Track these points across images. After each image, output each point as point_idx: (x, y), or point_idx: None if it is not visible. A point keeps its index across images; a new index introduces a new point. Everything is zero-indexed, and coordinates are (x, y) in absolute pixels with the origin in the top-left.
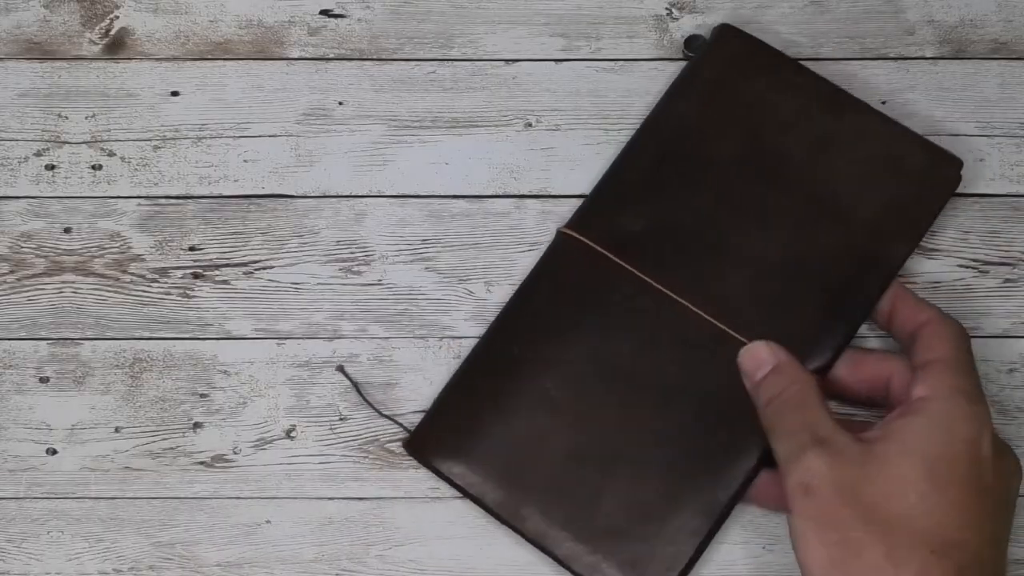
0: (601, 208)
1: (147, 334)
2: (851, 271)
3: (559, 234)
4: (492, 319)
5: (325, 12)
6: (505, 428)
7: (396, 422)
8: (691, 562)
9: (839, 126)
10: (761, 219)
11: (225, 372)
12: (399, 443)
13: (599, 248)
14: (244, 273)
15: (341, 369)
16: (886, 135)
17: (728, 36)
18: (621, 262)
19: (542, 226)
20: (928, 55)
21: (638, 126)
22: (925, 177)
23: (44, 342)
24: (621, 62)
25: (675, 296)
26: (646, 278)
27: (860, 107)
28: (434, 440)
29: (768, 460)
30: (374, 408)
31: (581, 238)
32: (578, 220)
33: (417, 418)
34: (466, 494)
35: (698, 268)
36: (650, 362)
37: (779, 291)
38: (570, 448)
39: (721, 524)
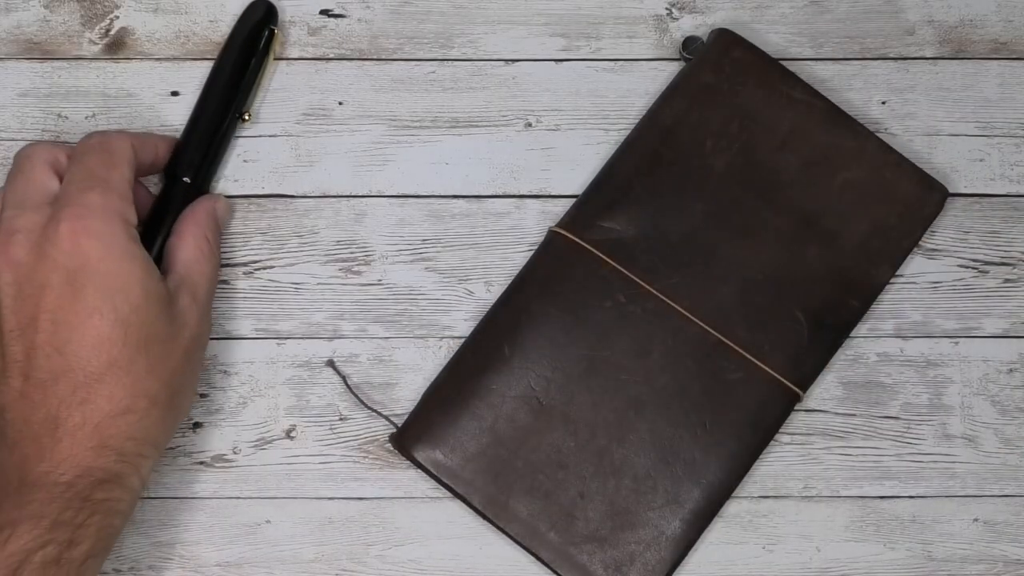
0: (594, 209)
1: None
2: (835, 291)
3: (551, 233)
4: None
5: (325, 12)
6: (490, 428)
7: (384, 416)
8: (673, 567)
9: (833, 147)
10: (751, 232)
11: (225, 372)
12: None
13: (591, 248)
14: (244, 273)
15: (331, 364)
16: (879, 159)
17: (726, 41)
18: (613, 263)
19: (542, 226)
20: (928, 55)
21: (634, 127)
22: (912, 203)
23: None
24: (621, 62)
25: (668, 300)
26: (638, 280)
27: (855, 128)
28: (418, 433)
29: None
30: (362, 402)
31: (573, 238)
32: (571, 220)
33: None
34: (452, 491)
35: (689, 274)
36: (639, 366)
37: (765, 304)
38: (555, 451)
39: (703, 530)
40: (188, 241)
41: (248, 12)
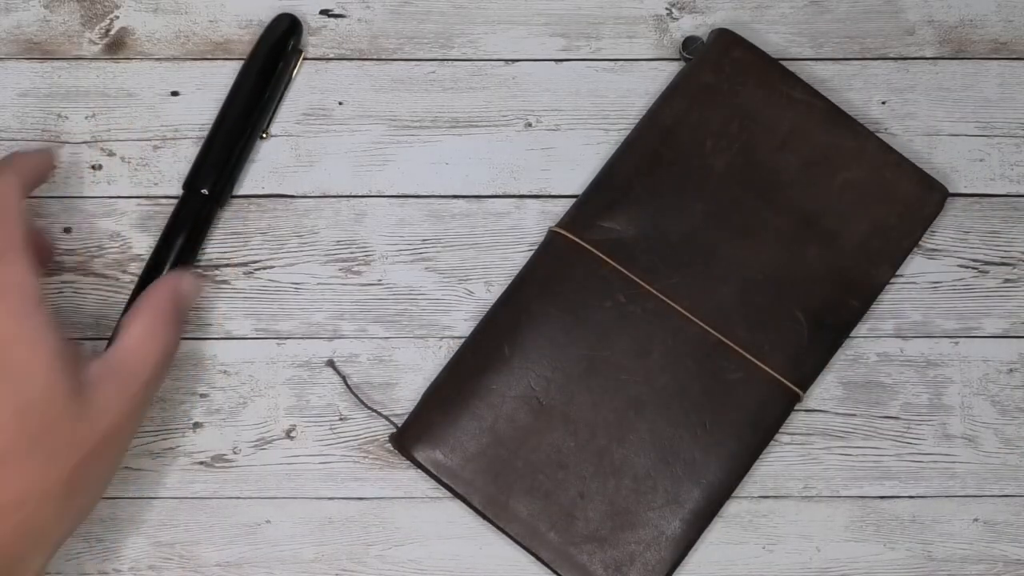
0: (594, 209)
1: None
2: (835, 291)
3: (551, 233)
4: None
5: (325, 12)
6: (490, 428)
7: (384, 416)
8: (673, 567)
9: (833, 147)
10: (751, 232)
11: (225, 372)
12: None
13: (591, 248)
14: (244, 273)
15: (331, 364)
16: (879, 159)
17: (726, 41)
18: (613, 263)
19: (542, 226)
20: (928, 55)
21: (634, 127)
22: (912, 203)
23: None
24: (621, 62)
25: (668, 300)
26: (638, 280)
27: (855, 128)
28: (418, 433)
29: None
30: (361, 402)
31: (573, 238)
32: (571, 220)
33: None
34: (452, 491)
35: (689, 275)
36: (639, 366)
37: (765, 304)
38: (555, 451)
39: (703, 530)
40: (138, 322)
41: (273, 26)
